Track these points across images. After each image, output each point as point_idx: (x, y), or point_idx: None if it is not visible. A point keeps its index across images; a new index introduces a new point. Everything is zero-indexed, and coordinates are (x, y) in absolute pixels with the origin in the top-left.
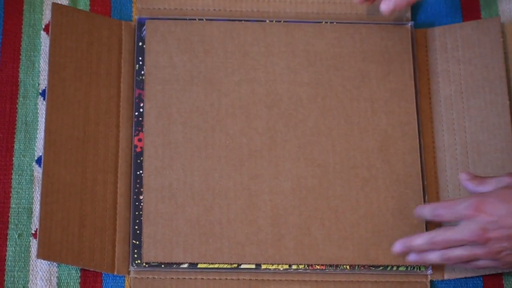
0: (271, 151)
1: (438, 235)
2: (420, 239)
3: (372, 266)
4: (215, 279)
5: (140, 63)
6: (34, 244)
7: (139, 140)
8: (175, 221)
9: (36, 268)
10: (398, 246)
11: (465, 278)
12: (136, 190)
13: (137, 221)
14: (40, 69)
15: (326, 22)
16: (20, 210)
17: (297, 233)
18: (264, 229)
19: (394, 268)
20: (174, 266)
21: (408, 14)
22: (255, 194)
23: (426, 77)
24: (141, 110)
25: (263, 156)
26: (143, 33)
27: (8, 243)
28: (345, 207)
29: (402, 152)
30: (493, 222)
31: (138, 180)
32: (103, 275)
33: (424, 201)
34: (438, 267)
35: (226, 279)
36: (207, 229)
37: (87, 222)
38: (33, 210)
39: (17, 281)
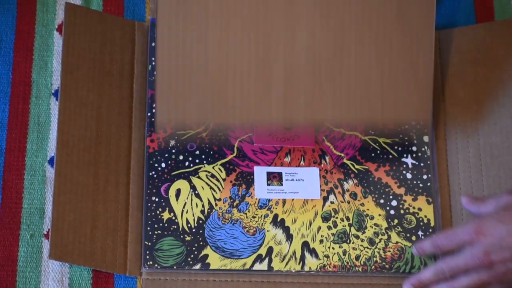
0: (287, 12)
1: (443, 264)
2: (427, 272)
3: (385, 268)
4: (227, 281)
5: (153, 63)
6: (46, 244)
7: (152, 141)
8: (187, 81)
9: (48, 268)
10: (408, 285)
11: None
12: (148, 191)
13: (149, 222)
14: (53, 69)
15: None
16: (32, 210)
17: (308, 94)
18: (276, 89)
19: (407, 271)
20: (186, 268)
21: None
22: (269, 56)
23: (439, 79)
24: (153, 110)
25: (278, 17)
26: (156, 33)
27: (20, 243)
28: (357, 69)
29: (417, 16)
30: (495, 244)
31: (150, 181)
32: (115, 276)
33: (436, 202)
34: None
35: (238, 281)
36: (220, 89)
37: (99, 223)
38: (45, 211)
39: (29, 282)
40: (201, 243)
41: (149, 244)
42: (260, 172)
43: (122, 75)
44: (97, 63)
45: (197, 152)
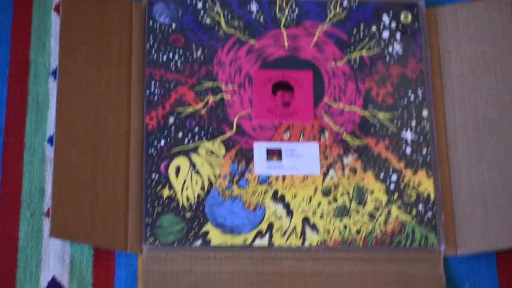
0: None
1: None
2: None
3: (385, 242)
4: (227, 257)
5: (151, 42)
6: (46, 223)
7: (151, 118)
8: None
9: (48, 247)
10: None
11: (478, 253)
12: (148, 169)
13: (149, 199)
14: (51, 49)
15: (337, 1)
16: (32, 189)
17: None
18: None
19: (408, 245)
20: (187, 244)
21: None
22: None
23: (437, 56)
24: (152, 89)
25: None
26: (154, 12)
27: (20, 222)
28: None
29: None
30: None
31: (149, 159)
32: (116, 253)
33: (436, 176)
34: (451, 242)
35: (238, 257)
36: None
37: (99, 201)
38: (45, 190)
39: (30, 260)
40: (202, 219)
41: (150, 221)
42: (259, 148)
43: (120, 53)
44: (95, 43)
45: (196, 129)
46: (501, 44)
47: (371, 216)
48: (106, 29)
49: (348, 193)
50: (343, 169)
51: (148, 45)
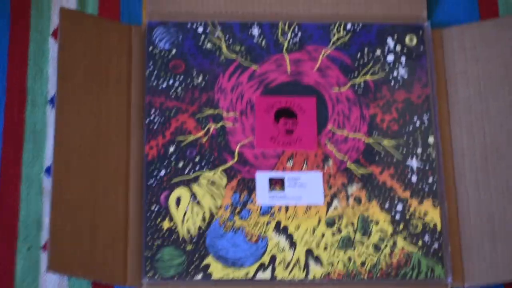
0: None
1: None
2: None
3: (391, 274)
4: None
5: (151, 68)
6: (44, 257)
7: (150, 148)
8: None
9: (46, 282)
10: None
11: (487, 286)
12: (147, 200)
13: (149, 232)
14: (48, 76)
15: (340, 24)
16: (29, 222)
17: None
18: None
19: (414, 277)
20: (188, 278)
21: (424, 14)
22: None
23: (443, 78)
24: (152, 117)
25: None
26: (153, 37)
27: (17, 256)
28: None
29: None
30: None
31: (149, 190)
32: (115, 287)
33: (442, 205)
34: (458, 274)
35: None
36: None
37: (98, 233)
38: (43, 222)
39: None
40: (203, 252)
41: (150, 254)
42: (261, 178)
43: (119, 80)
44: (94, 69)
45: (197, 159)
46: (509, 65)
47: (376, 247)
48: (105, 55)
49: (352, 224)
50: (347, 198)
51: (147, 71)
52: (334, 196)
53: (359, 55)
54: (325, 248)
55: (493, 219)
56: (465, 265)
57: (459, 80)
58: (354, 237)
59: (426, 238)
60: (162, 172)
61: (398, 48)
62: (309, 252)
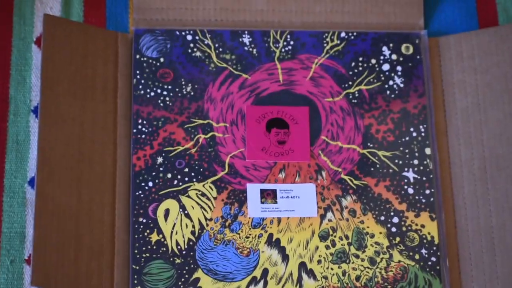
0: None
1: None
2: None
3: None
4: None
5: (138, 77)
6: (27, 270)
7: (138, 158)
8: None
9: None
10: None
11: None
12: (135, 212)
13: (137, 244)
14: (31, 85)
15: (334, 32)
16: (12, 234)
17: None
18: None
19: None
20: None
21: (421, 22)
22: None
23: (440, 88)
24: (139, 127)
25: None
26: (141, 45)
27: (0, 270)
28: None
29: None
30: None
31: (137, 202)
32: None
33: (439, 218)
34: None
35: None
36: None
37: (84, 246)
38: (26, 235)
39: None
40: (192, 265)
41: (137, 267)
42: (253, 190)
43: (105, 89)
44: (79, 77)
45: (186, 170)
46: (508, 74)
47: (372, 261)
48: (91, 63)
49: (347, 237)
50: (341, 211)
51: (135, 80)
52: (328, 209)
53: (353, 64)
54: (319, 262)
55: (492, 232)
56: (463, 279)
57: (457, 89)
58: (349, 251)
59: (423, 251)
60: (150, 184)
61: (394, 57)
62: (302, 266)
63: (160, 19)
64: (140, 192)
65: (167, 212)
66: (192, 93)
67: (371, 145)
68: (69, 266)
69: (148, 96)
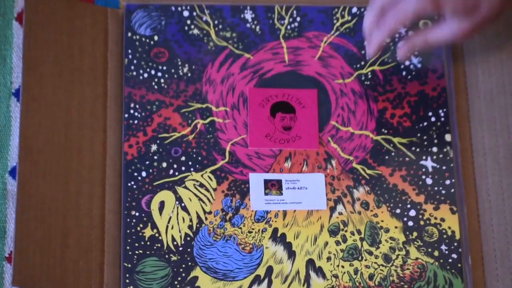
0: None
1: None
2: (368, 14)
3: None
4: None
5: (130, 56)
6: (8, 269)
7: (130, 146)
8: None
9: None
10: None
11: None
12: (127, 205)
13: (129, 240)
14: (12, 65)
15: (344, 7)
16: None
17: None
18: None
19: None
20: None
21: None
22: None
23: (461, 69)
24: (131, 111)
25: None
26: (133, 22)
27: None
28: None
29: None
30: None
31: (129, 193)
32: None
33: (461, 211)
34: None
35: None
36: None
37: (71, 242)
38: (7, 230)
39: None
40: (190, 263)
41: (129, 265)
42: (256, 180)
43: (94, 70)
44: (65, 57)
45: (183, 158)
46: None
47: (386, 258)
48: (77, 41)
49: (359, 232)
50: (353, 203)
51: (126, 60)
52: (338, 201)
53: (366, 42)
54: (328, 259)
55: None
56: (488, 278)
57: (480, 70)
58: (361, 247)
59: (443, 247)
60: (143, 174)
61: (411, 34)
62: (310, 263)
63: None
64: (132, 183)
65: (162, 205)
66: (189, 75)
67: (386, 131)
68: (55, 265)
69: (141, 77)
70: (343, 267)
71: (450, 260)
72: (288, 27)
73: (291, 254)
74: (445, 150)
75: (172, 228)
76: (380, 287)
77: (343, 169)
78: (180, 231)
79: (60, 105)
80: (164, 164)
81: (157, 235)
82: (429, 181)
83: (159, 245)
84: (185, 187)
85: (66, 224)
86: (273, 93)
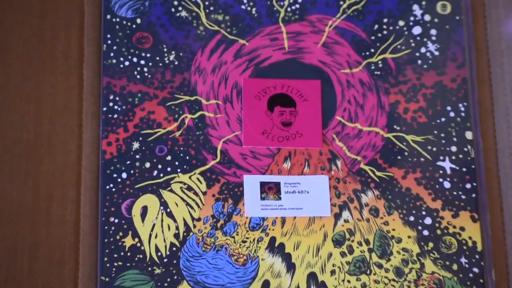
0: None
1: None
2: None
3: None
4: None
5: (109, 42)
6: None
7: (109, 143)
8: None
9: None
10: None
11: None
12: (105, 210)
13: (107, 250)
14: None
15: None
16: None
17: None
18: None
19: None
20: None
21: None
22: None
23: (485, 57)
24: (110, 104)
25: None
26: (112, 3)
27: None
28: None
29: None
30: None
31: (107, 197)
32: None
33: (483, 219)
34: None
35: None
36: None
37: (40, 253)
38: None
39: None
40: (176, 277)
41: (107, 279)
42: (251, 183)
43: (68, 57)
44: (35, 43)
45: (169, 158)
46: None
47: (398, 272)
48: (50, 25)
49: (367, 242)
50: (360, 209)
51: (105, 46)
52: (344, 207)
53: (376, 27)
54: (333, 273)
55: None
56: None
57: (506, 58)
58: (370, 259)
59: (463, 260)
60: (124, 175)
61: (427, 18)
62: (312, 277)
63: None
64: (111, 185)
65: (144, 210)
66: (176, 63)
67: (398, 128)
68: (22, 278)
69: (121, 66)
70: (349, 281)
71: (470, 275)
72: (288, 9)
73: (291, 267)
74: (465, 149)
75: (156, 236)
76: None
77: (350, 170)
78: (165, 240)
79: (29, 97)
80: (148, 164)
81: (138, 244)
82: (447, 184)
83: (141, 256)
84: (171, 191)
85: (35, 232)
86: (271, 84)
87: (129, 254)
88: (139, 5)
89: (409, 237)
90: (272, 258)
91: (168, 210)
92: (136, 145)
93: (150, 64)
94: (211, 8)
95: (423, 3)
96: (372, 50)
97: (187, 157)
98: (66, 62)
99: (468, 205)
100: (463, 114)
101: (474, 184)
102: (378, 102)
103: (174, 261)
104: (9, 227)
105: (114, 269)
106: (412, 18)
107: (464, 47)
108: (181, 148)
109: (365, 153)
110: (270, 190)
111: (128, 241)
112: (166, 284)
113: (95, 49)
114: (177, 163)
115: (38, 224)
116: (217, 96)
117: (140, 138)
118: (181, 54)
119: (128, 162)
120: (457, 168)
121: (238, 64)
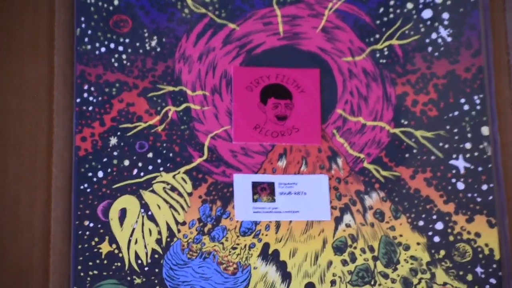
0: None
1: None
2: None
3: None
4: None
5: (83, 26)
6: None
7: (83, 139)
8: None
9: None
10: None
11: None
12: (78, 213)
13: (81, 258)
14: None
15: None
16: None
17: None
18: None
19: None
20: None
21: None
22: None
23: (503, 43)
24: (85, 95)
25: None
26: None
27: None
28: None
29: None
30: None
31: (81, 199)
32: None
33: (501, 224)
34: None
35: None
36: None
37: (6, 262)
38: None
39: None
40: (158, 287)
41: None
42: (242, 183)
43: (36, 44)
44: (0, 28)
45: (150, 155)
46: None
47: (406, 283)
48: (16, 7)
49: (371, 249)
50: (364, 213)
51: (78, 31)
52: (345, 209)
53: (381, 10)
54: (333, 283)
55: None
56: None
57: None
58: (375, 268)
59: (479, 269)
60: (100, 174)
61: (439, 0)
62: None
63: None
64: (85, 185)
65: (123, 213)
66: (158, 49)
67: (406, 123)
68: None
69: (97, 52)
70: None
71: (487, 286)
72: None
73: (286, 277)
74: (481, 146)
75: (136, 242)
76: None
77: (352, 169)
78: (145, 247)
79: None
80: (126, 162)
81: (116, 251)
82: (460, 185)
83: (119, 264)
84: (153, 191)
85: (0, 239)
86: (264, 74)
87: (105, 262)
88: None
89: (418, 243)
90: (265, 267)
91: (150, 213)
92: (113, 140)
93: (129, 50)
94: None
95: None
96: (377, 36)
97: (171, 154)
98: (34, 49)
99: (484, 208)
100: (478, 107)
101: (491, 185)
102: (383, 94)
103: (156, 270)
104: None
105: (88, 279)
106: (422, 0)
107: (480, 32)
108: (164, 144)
109: (369, 150)
110: (263, 191)
111: (105, 248)
112: None
113: (68, 34)
114: (159, 161)
115: (3, 229)
116: (204, 87)
117: (118, 133)
118: (163, 39)
119: (105, 160)
120: (472, 167)
121: (227, 51)
